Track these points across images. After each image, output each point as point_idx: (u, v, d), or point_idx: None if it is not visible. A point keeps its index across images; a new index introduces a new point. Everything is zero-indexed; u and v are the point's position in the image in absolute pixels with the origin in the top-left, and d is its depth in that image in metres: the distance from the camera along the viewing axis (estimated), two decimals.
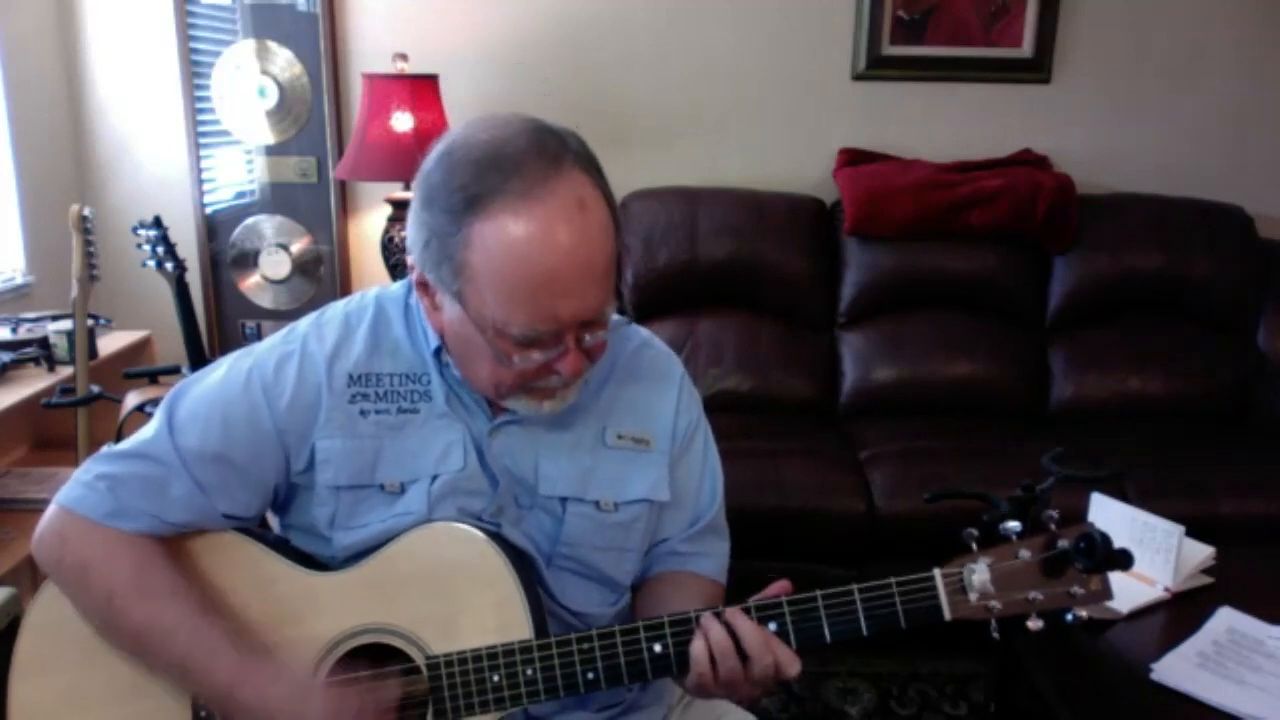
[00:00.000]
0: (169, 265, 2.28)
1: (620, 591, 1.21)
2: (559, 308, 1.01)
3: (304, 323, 1.18)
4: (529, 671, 1.05)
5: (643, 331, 1.27)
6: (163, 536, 1.10)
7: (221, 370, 1.15)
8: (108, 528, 1.07)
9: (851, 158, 3.07)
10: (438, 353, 1.14)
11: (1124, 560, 0.97)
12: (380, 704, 1.03)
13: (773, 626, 1.04)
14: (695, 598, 1.18)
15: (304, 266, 3.23)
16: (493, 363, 1.06)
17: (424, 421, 1.13)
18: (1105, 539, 0.98)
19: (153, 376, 2.54)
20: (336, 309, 1.19)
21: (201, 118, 3.13)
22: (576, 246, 1.00)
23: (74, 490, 1.09)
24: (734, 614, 1.03)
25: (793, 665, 1.01)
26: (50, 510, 1.10)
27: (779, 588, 1.06)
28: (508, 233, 0.98)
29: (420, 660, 1.08)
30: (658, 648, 1.05)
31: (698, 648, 1.02)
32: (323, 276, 3.24)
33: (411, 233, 1.07)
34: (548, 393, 1.09)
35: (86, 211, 2.32)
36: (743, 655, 1.02)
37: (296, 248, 3.22)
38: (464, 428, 1.14)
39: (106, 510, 1.08)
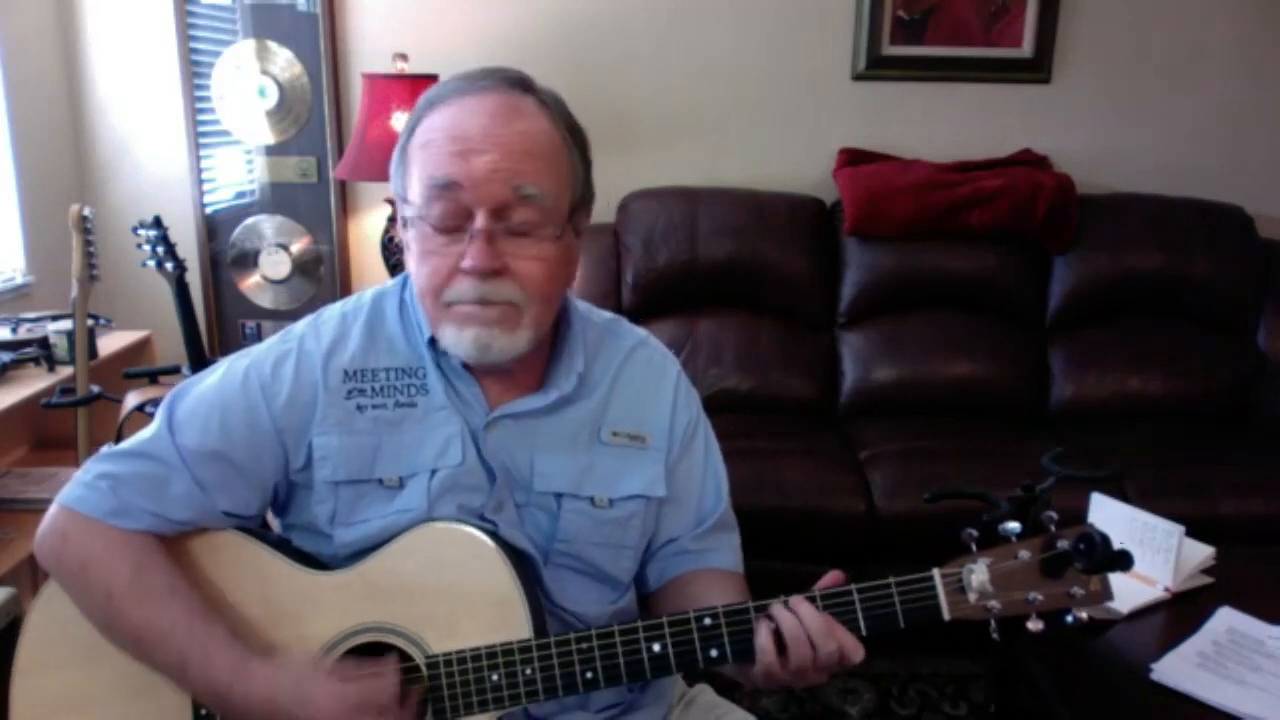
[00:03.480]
0: (169, 265, 2.28)
1: (620, 590, 1.21)
2: (465, 163, 1.04)
3: (301, 324, 1.19)
4: (528, 671, 1.05)
5: (639, 331, 1.28)
6: (164, 535, 1.10)
7: (220, 371, 1.16)
8: (109, 526, 1.08)
9: (851, 158, 3.07)
10: (432, 343, 1.14)
11: (1124, 561, 0.97)
12: (383, 693, 1.03)
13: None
14: (726, 593, 1.18)
15: (304, 266, 3.23)
16: (416, 265, 1.09)
17: (422, 416, 1.14)
18: (1105, 539, 0.98)
19: (153, 376, 2.54)
20: (334, 309, 1.20)
21: (201, 118, 3.13)
22: (494, 122, 1.05)
23: (75, 490, 1.10)
24: (797, 602, 1.03)
25: (857, 652, 1.01)
26: (52, 510, 1.11)
27: (833, 578, 1.06)
28: (440, 113, 1.07)
29: (420, 659, 1.08)
30: (656, 647, 1.05)
31: (763, 637, 1.02)
32: (323, 276, 3.24)
33: (392, 175, 1.12)
34: (463, 315, 1.08)
35: (86, 211, 2.32)
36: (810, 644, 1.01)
37: (296, 248, 3.22)
38: (461, 421, 1.14)
39: (108, 509, 1.08)
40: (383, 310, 1.18)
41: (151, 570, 1.07)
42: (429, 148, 1.06)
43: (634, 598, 1.25)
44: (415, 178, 1.07)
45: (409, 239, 1.10)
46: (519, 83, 1.09)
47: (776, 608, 1.03)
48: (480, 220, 1.04)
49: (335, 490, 1.12)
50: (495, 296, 1.07)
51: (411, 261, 1.11)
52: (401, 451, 1.13)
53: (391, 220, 2.92)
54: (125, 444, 1.13)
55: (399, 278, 1.21)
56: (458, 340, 1.09)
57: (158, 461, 1.10)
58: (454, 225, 1.05)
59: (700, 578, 1.22)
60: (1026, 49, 3.08)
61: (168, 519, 1.09)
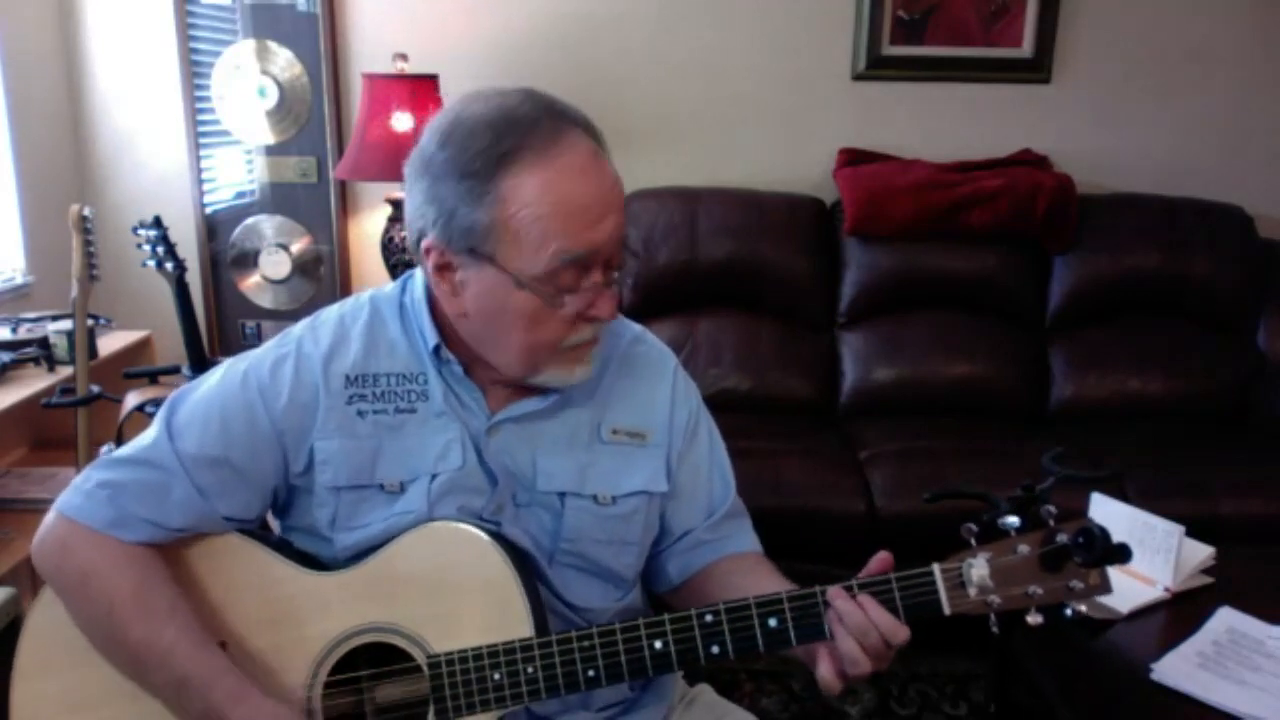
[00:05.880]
0: (169, 265, 2.28)
1: (625, 588, 1.22)
2: (597, 231, 1.05)
3: (299, 326, 1.19)
4: (530, 669, 1.05)
5: (635, 327, 1.28)
6: (163, 546, 1.10)
7: (218, 375, 1.16)
8: (108, 537, 1.07)
9: (851, 158, 3.08)
10: (436, 350, 1.14)
11: (1122, 554, 0.97)
12: None
13: (773, 623, 1.04)
14: (759, 573, 1.20)
15: (304, 266, 3.23)
16: (530, 324, 1.07)
17: (422, 421, 1.14)
18: (1104, 533, 0.98)
19: (153, 376, 2.54)
20: (331, 312, 1.20)
21: (201, 117, 3.13)
22: (599, 182, 1.06)
23: (74, 498, 1.09)
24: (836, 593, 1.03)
25: (898, 633, 1.01)
26: (50, 517, 1.10)
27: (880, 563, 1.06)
28: (539, 180, 1.03)
29: (421, 659, 1.08)
30: (658, 645, 1.05)
31: (824, 668, 1.03)
32: (323, 276, 3.24)
33: (425, 214, 1.07)
34: (579, 353, 1.11)
35: (86, 211, 2.31)
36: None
37: (296, 248, 3.22)
38: (461, 426, 1.14)
39: (107, 519, 1.07)
40: (382, 314, 1.18)
41: (153, 587, 1.07)
42: (552, 220, 1.03)
43: (639, 595, 1.26)
44: (535, 244, 1.03)
45: (491, 294, 1.06)
46: (576, 119, 1.08)
47: (834, 593, 1.03)
48: (602, 274, 1.07)
49: (336, 495, 1.13)
50: (602, 330, 1.12)
51: (507, 320, 1.07)
52: (402, 456, 1.13)
53: (391, 220, 2.92)
54: (124, 450, 1.12)
55: (398, 281, 1.21)
56: (568, 376, 1.12)
57: (157, 468, 1.09)
58: (576, 285, 1.06)
59: (729, 564, 1.23)
60: (1026, 49, 3.08)
61: (167, 527, 1.09)
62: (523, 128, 1.03)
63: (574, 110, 1.09)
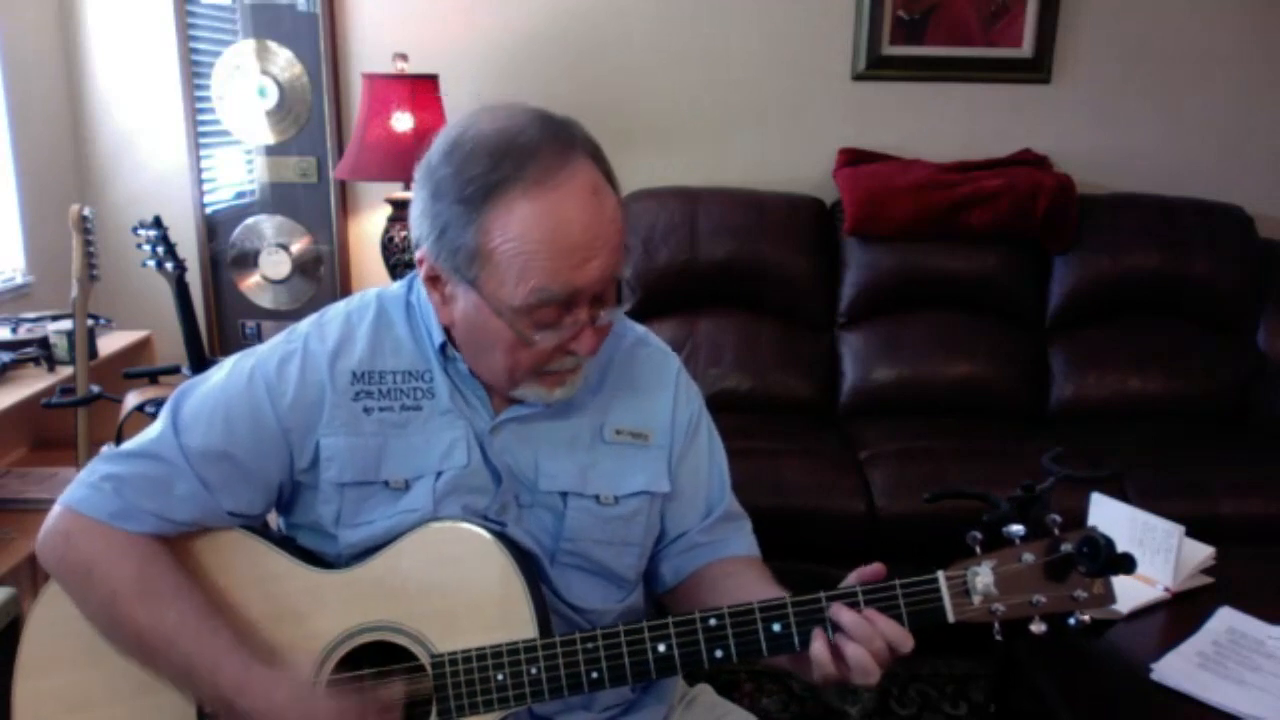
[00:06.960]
0: (169, 265, 2.28)
1: (626, 589, 1.22)
2: (580, 273, 1.03)
3: (305, 323, 1.19)
4: (533, 670, 1.05)
5: (638, 328, 1.28)
6: (167, 537, 1.10)
7: (225, 371, 1.16)
8: (112, 528, 1.07)
9: (851, 158, 3.08)
10: (443, 348, 1.15)
11: (1127, 564, 0.97)
12: (383, 706, 1.03)
13: (777, 628, 1.04)
14: (753, 578, 1.19)
15: (304, 266, 3.23)
16: (508, 348, 1.07)
17: (427, 419, 1.14)
18: (1108, 542, 0.98)
19: (153, 376, 2.54)
20: (338, 309, 1.20)
21: (201, 117, 3.13)
22: (593, 221, 1.04)
23: (79, 491, 1.09)
24: (838, 609, 1.03)
25: (905, 642, 1.01)
26: (55, 510, 1.10)
27: (874, 571, 1.06)
28: (528, 214, 1.01)
29: (425, 658, 1.08)
30: (661, 648, 1.05)
31: (818, 648, 1.02)
32: (323, 276, 3.24)
33: (421, 225, 1.08)
34: (560, 378, 1.11)
35: (86, 211, 2.31)
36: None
37: (296, 248, 3.22)
38: (466, 424, 1.14)
39: (112, 510, 1.08)
40: (388, 313, 1.18)
41: (156, 572, 1.07)
42: (534, 258, 1.01)
43: (642, 596, 1.26)
44: (515, 278, 1.02)
45: (475, 314, 1.07)
46: (583, 147, 1.06)
47: (837, 608, 1.03)
48: (587, 313, 1.07)
49: (341, 491, 1.13)
50: (587, 358, 1.11)
51: (488, 340, 1.08)
52: (407, 454, 1.13)
53: (391, 220, 2.92)
54: (129, 444, 1.12)
55: (404, 280, 1.22)
56: (547, 395, 1.12)
57: (162, 462, 1.10)
58: (557, 321, 1.06)
59: (722, 567, 1.23)
60: (1026, 49, 3.08)
61: (171, 520, 1.09)
62: (521, 157, 1.01)
63: (582, 137, 1.07)
